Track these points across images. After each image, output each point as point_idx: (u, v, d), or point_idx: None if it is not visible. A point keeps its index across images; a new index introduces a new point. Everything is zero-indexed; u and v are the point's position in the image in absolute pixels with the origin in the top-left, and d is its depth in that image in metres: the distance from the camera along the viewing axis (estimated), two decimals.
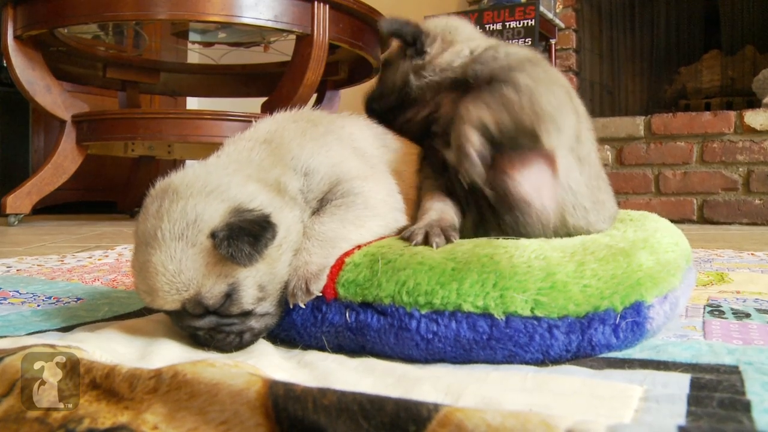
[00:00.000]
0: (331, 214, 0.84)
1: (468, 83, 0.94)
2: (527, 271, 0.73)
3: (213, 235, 0.73)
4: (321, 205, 0.87)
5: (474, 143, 0.81)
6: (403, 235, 0.84)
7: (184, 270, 0.73)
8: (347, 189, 0.86)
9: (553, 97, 0.84)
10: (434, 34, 1.06)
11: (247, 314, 0.77)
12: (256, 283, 0.76)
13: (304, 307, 0.78)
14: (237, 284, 0.75)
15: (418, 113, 1.05)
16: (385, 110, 1.10)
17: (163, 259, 0.73)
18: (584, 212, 0.90)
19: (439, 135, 0.99)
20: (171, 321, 0.81)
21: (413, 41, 1.04)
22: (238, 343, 0.77)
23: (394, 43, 1.11)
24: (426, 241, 0.80)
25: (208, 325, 0.76)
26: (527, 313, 0.71)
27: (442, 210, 0.90)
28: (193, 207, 0.75)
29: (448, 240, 0.81)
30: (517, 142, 0.82)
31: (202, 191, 0.77)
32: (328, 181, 0.88)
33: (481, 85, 0.90)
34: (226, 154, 0.90)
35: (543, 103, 0.82)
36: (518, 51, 0.97)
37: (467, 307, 0.72)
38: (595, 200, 0.92)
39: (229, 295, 0.75)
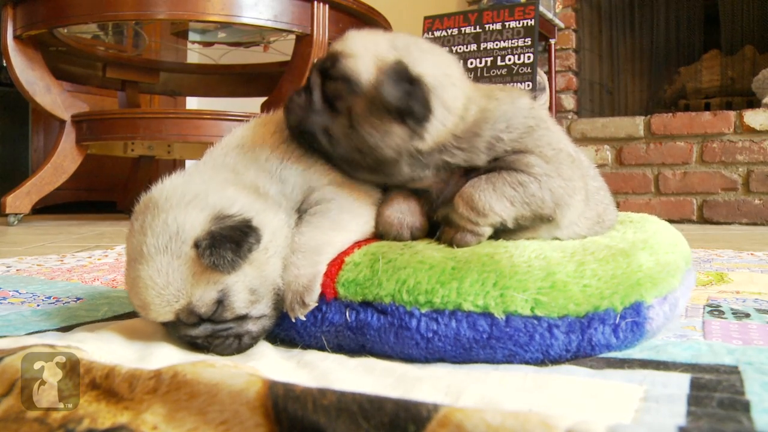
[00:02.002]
0: (308, 223, 0.84)
1: (461, 167, 0.84)
2: (527, 270, 0.73)
3: (196, 245, 0.73)
4: (300, 214, 0.87)
5: (485, 237, 0.81)
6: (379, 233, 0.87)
7: (172, 282, 0.73)
8: (320, 197, 0.86)
9: (564, 181, 0.83)
10: (438, 96, 0.81)
11: (243, 318, 0.77)
12: (247, 288, 0.76)
13: (304, 319, 0.78)
14: (227, 290, 0.75)
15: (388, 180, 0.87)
16: (338, 157, 0.85)
17: (150, 274, 0.74)
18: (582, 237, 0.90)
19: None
20: (168, 332, 0.81)
21: (420, 119, 0.79)
22: (237, 346, 0.77)
23: (355, 60, 0.82)
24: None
25: (203, 333, 0.76)
26: (527, 312, 0.71)
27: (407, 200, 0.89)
28: (174, 219, 0.75)
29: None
30: (530, 226, 0.84)
31: (180, 202, 0.77)
32: (300, 190, 0.87)
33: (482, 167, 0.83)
34: (203, 162, 0.90)
35: (560, 192, 0.82)
36: (515, 114, 0.84)
37: (467, 306, 0.72)
38: (597, 222, 0.92)
39: (221, 302, 0.75)
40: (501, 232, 0.83)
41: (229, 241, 0.72)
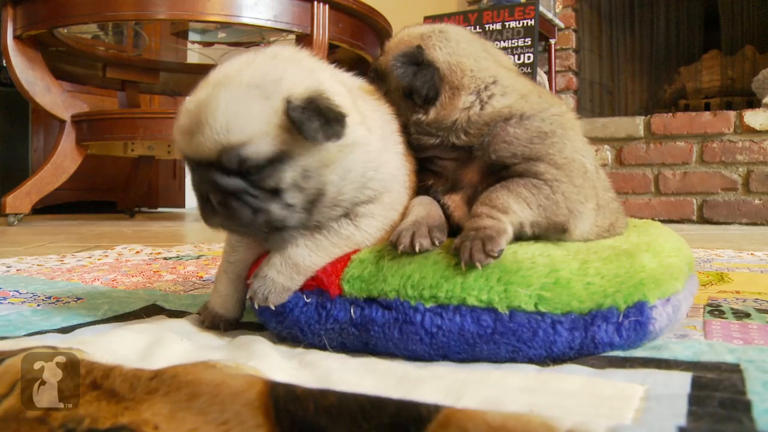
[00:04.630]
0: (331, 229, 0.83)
1: (471, 151, 0.87)
2: (531, 266, 0.73)
3: (288, 100, 0.71)
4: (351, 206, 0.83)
5: (502, 245, 0.74)
6: (391, 240, 0.80)
7: (245, 113, 0.70)
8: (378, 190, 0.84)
9: (578, 189, 0.83)
10: (448, 78, 0.89)
11: (276, 193, 0.74)
12: (303, 167, 0.74)
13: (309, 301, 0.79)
14: (284, 154, 0.72)
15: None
16: None
17: (231, 98, 0.71)
18: None
19: (433, 174, 0.92)
20: (191, 179, 0.77)
21: (426, 96, 0.88)
22: (250, 218, 0.74)
23: (388, 56, 0.93)
24: (412, 245, 0.76)
25: (232, 186, 0.72)
26: (531, 308, 0.71)
27: (429, 208, 0.86)
28: (284, 69, 0.74)
29: (432, 243, 0.77)
30: (544, 235, 0.83)
31: (297, 64, 0.77)
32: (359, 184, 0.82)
33: (490, 161, 0.84)
34: None
35: (573, 198, 0.82)
36: (533, 115, 0.86)
37: (471, 300, 0.72)
38: (607, 230, 0.92)
39: (272, 162, 0.72)
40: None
41: (320, 115, 0.70)
